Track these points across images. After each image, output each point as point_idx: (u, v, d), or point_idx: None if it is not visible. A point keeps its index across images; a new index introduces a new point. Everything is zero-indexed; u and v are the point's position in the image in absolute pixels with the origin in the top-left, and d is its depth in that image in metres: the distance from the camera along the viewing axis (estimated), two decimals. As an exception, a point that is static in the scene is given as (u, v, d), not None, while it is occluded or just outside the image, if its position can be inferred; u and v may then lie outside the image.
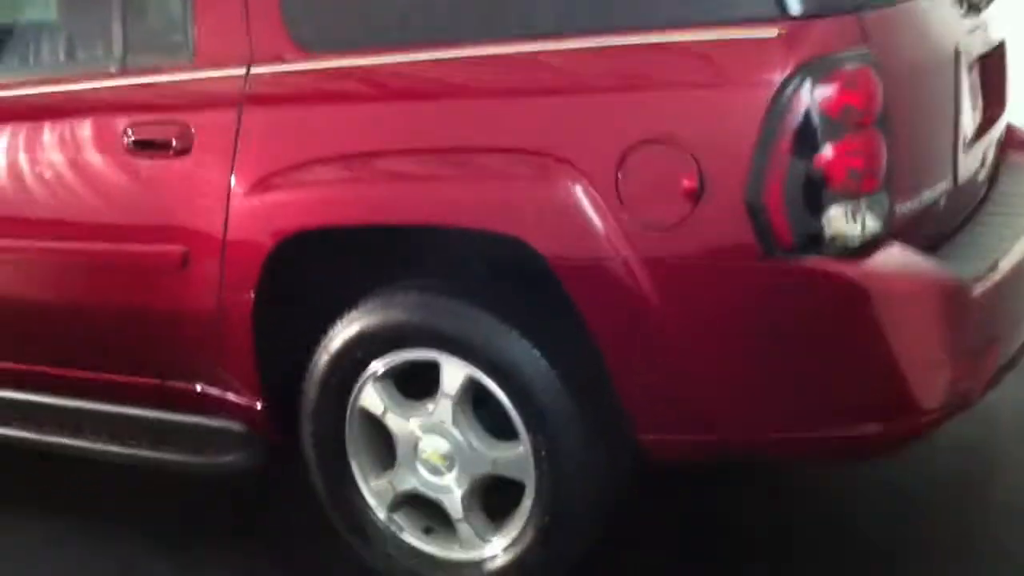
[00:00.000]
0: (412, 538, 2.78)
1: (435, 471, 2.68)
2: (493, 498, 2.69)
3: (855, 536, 2.91)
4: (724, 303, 2.30)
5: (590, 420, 2.50)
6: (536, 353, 2.50)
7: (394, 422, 2.70)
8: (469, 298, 2.57)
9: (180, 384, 2.99)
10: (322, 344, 2.73)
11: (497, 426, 2.62)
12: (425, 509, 2.78)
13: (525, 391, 2.50)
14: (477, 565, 2.68)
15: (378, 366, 2.68)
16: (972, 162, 2.71)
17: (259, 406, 2.87)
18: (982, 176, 2.84)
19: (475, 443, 2.62)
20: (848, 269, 2.20)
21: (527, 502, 2.60)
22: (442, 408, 2.63)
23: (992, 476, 3.20)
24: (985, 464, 3.25)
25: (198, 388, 2.96)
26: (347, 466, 2.80)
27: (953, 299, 2.32)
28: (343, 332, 2.69)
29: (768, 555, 2.87)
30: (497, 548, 2.66)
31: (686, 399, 2.38)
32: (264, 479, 3.25)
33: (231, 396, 2.90)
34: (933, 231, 2.51)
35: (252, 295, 2.73)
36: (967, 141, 2.64)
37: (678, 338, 2.34)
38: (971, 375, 2.41)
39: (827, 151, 2.19)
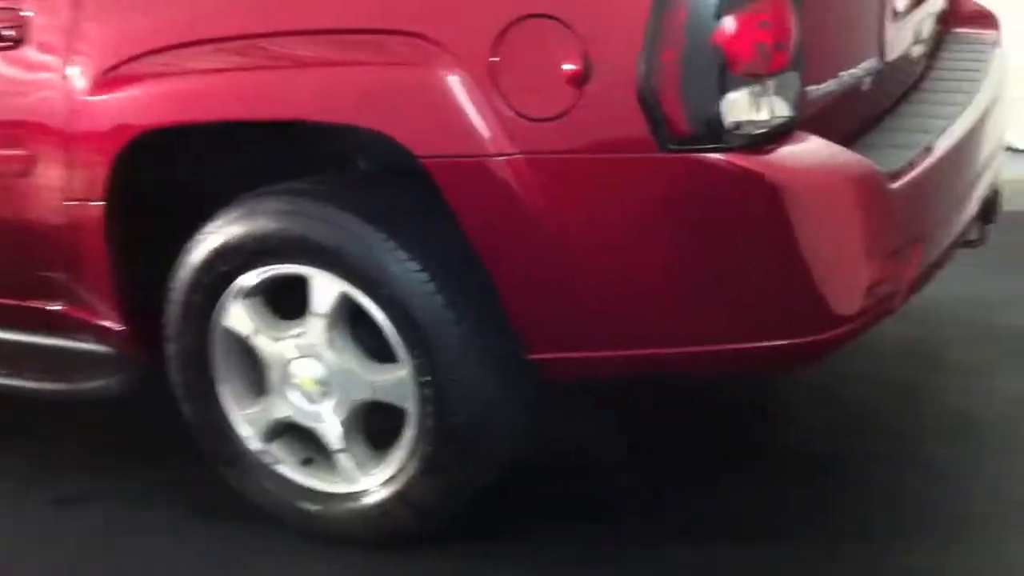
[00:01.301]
0: (290, 470, 2.52)
1: (310, 398, 2.41)
2: (378, 427, 2.43)
3: (799, 450, 2.69)
4: (615, 203, 2.02)
5: (477, 340, 2.23)
6: (414, 265, 2.21)
7: (263, 344, 2.43)
8: (339, 204, 2.28)
9: (39, 304, 2.70)
10: (182, 258, 2.44)
11: (378, 348, 2.35)
12: (304, 439, 2.53)
13: (403, 308, 2.23)
14: (357, 498, 2.43)
15: (244, 282, 2.39)
16: (904, 37, 2.40)
17: (122, 327, 2.58)
18: (917, 53, 2.53)
19: (352, 367, 2.35)
20: (752, 162, 1.92)
21: (409, 431, 2.34)
22: (314, 329, 2.35)
23: (937, 380, 2.95)
24: (929, 369, 3.01)
25: (59, 308, 2.67)
26: (216, 393, 2.52)
27: (871, 194, 2.04)
28: (204, 244, 2.39)
29: (706, 469, 2.65)
30: (379, 480, 2.41)
31: (579, 312, 2.12)
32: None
33: (93, 317, 2.62)
34: (856, 117, 2.23)
35: (102, 204, 2.43)
36: (897, 12, 2.34)
37: (567, 244, 2.06)
38: (892, 278, 2.14)
39: (729, 24, 1.89)
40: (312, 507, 2.48)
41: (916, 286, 2.19)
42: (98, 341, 2.67)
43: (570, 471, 2.63)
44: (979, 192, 2.44)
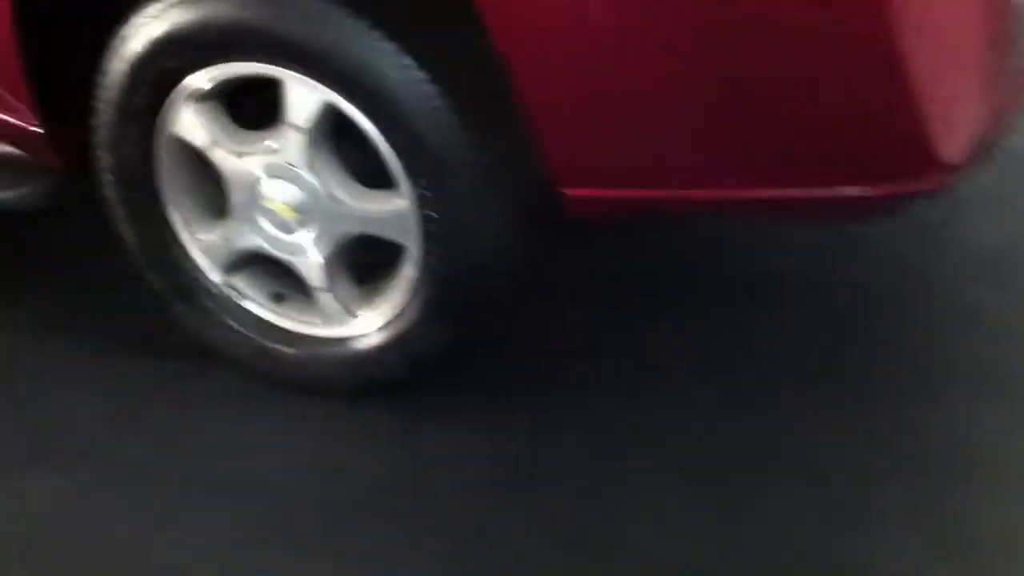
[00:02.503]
0: (257, 307, 2.12)
1: (284, 227, 1.98)
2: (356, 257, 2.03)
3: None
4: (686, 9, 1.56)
5: (493, 165, 1.80)
6: (422, 75, 1.74)
7: (224, 160, 1.96)
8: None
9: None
10: (115, 48, 1.92)
11: (369, 173, 1.91)
12: (272, 272, 2.11)
13: (407, 127, 1.77)
14: (343, 343, 2.04)
15: (198, 81, 1.90)
16: None
17: (38, 129, 2.08)
18: None
19: (338, 193, 1.91)
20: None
21: (407, 271, 1.94)
22: (290, 144, 1.89)
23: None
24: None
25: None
26: (163, 214, 2.07)
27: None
28: (144, 31, 1.88)
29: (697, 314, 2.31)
30: (370, 325, 2.02)
31: (629, 143, 1.69)
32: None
33: (7, 114, 2.10)
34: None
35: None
36: None
37: (622, 55, 1.61)
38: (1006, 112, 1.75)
39: None
40: (285, 350, 2.09)
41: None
42: (8, 142, 2.17)
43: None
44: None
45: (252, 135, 1.95)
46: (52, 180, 2.21)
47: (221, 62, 1.86)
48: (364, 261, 2.04)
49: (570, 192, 1.74)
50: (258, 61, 1.83)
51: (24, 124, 2.08)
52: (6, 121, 2.11)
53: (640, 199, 1.74)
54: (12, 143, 2.16)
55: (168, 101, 1.93)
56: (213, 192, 2.07)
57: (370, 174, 1.92)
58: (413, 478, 1.92)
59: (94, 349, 2.24)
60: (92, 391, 2.14)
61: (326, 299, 2.02)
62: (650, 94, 1.64)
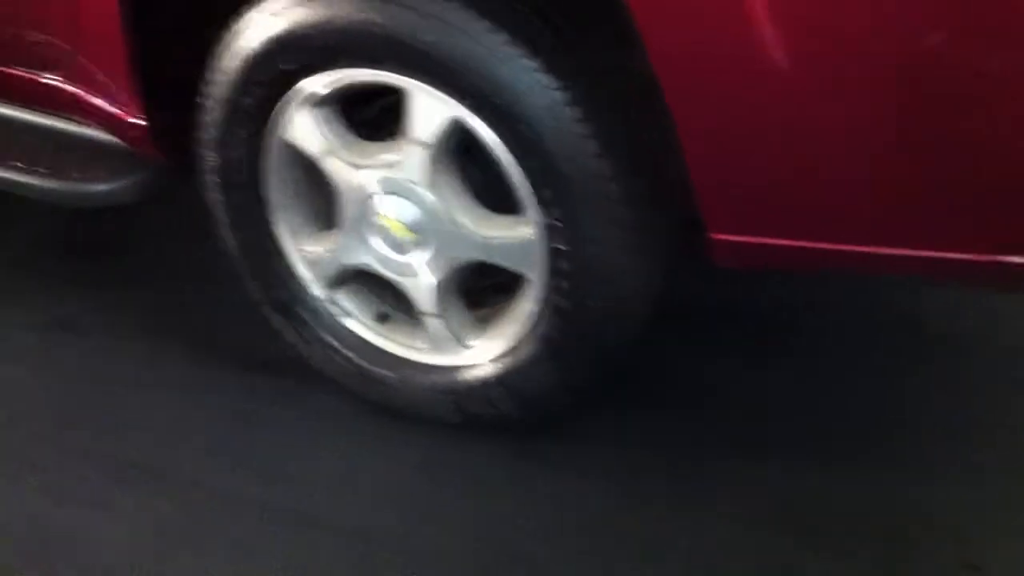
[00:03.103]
0: (360, 326, 1.97)
1: (396, 246, 1.83)
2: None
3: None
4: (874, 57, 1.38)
5: (634, 200, 1.63)
6: (562, 97, 1.58)
7: (337, 170, 1.82)
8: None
9: (32, 74, 2.06)
10: (227, 43, 1.79)
11: (491, 196, 1.76)
12: (378, 290, 1.96)
13: (542, 150, 1.61)
14: (449, 373, 1.90)
15: (316, 85, 1.76)
16: None
17: (140, 121, 1.95)
18: None
19: (459, 216, 1.75)
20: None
21: (526, 304, 1.78)
22: (412, 159, 1.73)
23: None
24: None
25: (56, 81, 2.04)
26: (268, 221, 1.93)
27: None
28: (261, 28, 1.74)
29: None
30: (480, 357, 1.87)
31: (793, 192, 1.51)
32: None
33: (100, 100, 1.99)
34: None
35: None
36: None
37: (801, 96, 1.43)
38: None
39: None
40: (386, 373, 1.95)
41: None
42: (107, 132, 2.05)
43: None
44: None
45: (370, 147, 1.80)
46: (152, 173, 2.08)
47: (344, 67, 1.72)
48: (478, 287, 1.89)
49: (721, 237, 1.57)
50: (385, 69, 1.68)
51: (127, 115, 1.96)
52: (109, 112, 1.99)
53: (799, 250, 1.56)
54: (113, 134, 2.04)
55: (281, 103, 1.79)
56: (321, 202, 1.94)
57: (490, 198, 1.77)
58: (515, 533, 1.76)
59: (194, 361, 2.12)
60: (194, 410, 2.02)
61: (435, 325, 1.87)
62: (827, 138, 1.46)
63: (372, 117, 1.86)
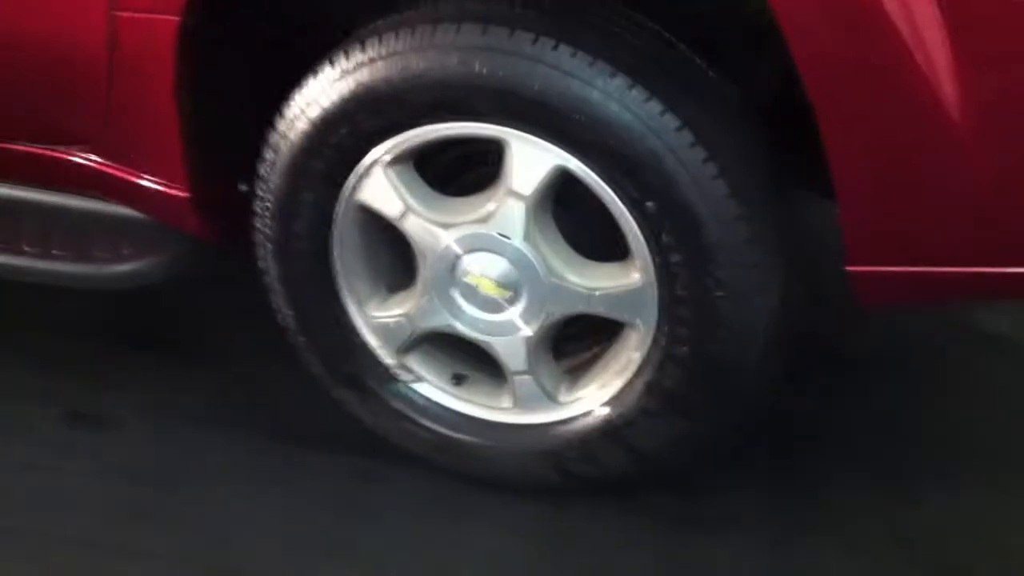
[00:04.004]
0: (436, 391, 1.88)
1: (486, 305, 1.74)
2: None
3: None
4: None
5: (762, 239, 1.60)
6: (687, 137, 1.54)
7: (418, 230, 1.72)
8: (564, 37, 1.55)
9: (62, 153, 1.89)
10: (294, 107, 1.68)
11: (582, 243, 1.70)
12: (451, 349, 1.87)
13: (664, 192, 1.56)
14: (541, 432, 1.81)
15: (397, 145, 1.67)
16: None
17: (184, 192, 1.82)
18: None
19: (558, 267, 1.69)
20: None
21: (631, 352, 1.72)
22: (506, 212, 1.66)
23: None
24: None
25: (85, 159, 1.88)
26: (332, 290, 1.82)
27: None
28: (335, 87, 1.64)
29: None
30: (575, 410, 1.79)
31: (950, 218, 1.50)
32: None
33: (137, 174, 1.84)
34: None
35: (177, 18, 1.64)
36: None
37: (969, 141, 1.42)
38: None
39: None
40: (468, 439, 1.85)
41: None
42: (139, 209, 1.91)
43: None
44: None
45: (455, 203, 1.72)
46: (184, 249, 1.94)
47: (432, 123, 1.63)
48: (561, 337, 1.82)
49: (865, 270, 1.54)
50: (483, 121, 1.60)
51: (167, 188, 1.82)
52: (142, 186, 1.84)
53: (946, 277, 1.54)
54: (144, 209, 1.89)
55: (359, 166, 1.69)
56: (387, 265, 1.84)
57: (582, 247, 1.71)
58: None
59: (257, 448, 1.97)
60: (265, 499, 1.87)
61: (524, 383, 1.79)
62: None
63: (442, 171, 1.78)
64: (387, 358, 1.86)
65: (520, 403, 1.82)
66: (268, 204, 1.77)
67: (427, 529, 1.82)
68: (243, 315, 2.13)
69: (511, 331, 1.74)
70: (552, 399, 1.80)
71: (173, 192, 1.83)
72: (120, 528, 1.79)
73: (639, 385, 1.72)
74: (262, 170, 1.76)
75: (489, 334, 1.77)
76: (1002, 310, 2.21)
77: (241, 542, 1.78)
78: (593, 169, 1.59)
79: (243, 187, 1.88)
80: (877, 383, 2.11)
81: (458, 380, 1.89)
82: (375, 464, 1.91)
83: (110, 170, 1.87)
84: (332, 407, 1.91)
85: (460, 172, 1.80)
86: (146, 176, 1.83)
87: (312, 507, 1.85)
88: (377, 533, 1.80)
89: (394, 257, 1.84)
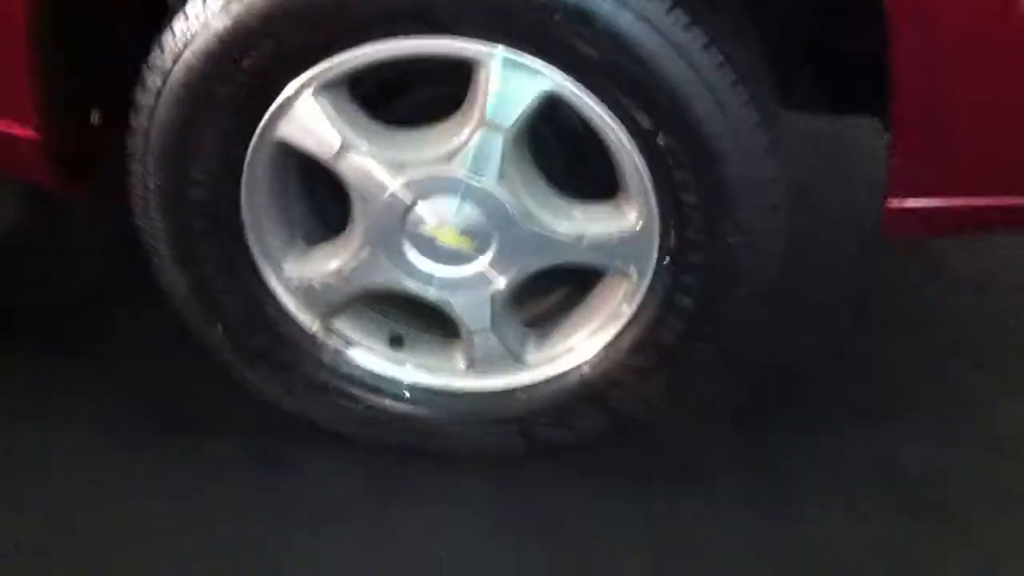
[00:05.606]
0: (371, 356, 1.55)
1: (444, 258, 1.43)
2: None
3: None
4: None
5: (783, 172, 1.36)
6: (716, 56, 1.26)
7: (360, 171, 1.37)
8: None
9: None
10: (191, 18, 1.29)
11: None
12: (381, 307, 1.55)
13: (678, 118, 1.28)
14: (504, 397, 1.54)
15: (325, 68, 1.30)
16: None
17: (32, 132, 1.39)
18: None
19: (537, 211, 1.39)
20: None
21: (617, 304, 1.46)
22: (479, 147, 1.34)
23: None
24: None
25: None
26: (241, 244, 1.45)
27: None
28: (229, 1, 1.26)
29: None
30: (548, 371, 1.52)
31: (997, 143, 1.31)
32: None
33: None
34: None
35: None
36: None
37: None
38: None
39: None
40: (413, 410, 1.55)
41: None
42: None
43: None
44: None
45: (409, 136, 1.38)
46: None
47: (383, 39, 1.27)
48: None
49: (905, 204, 1.33)
50: (454, 37, 1.26)
51: (10, 128, 1.38)
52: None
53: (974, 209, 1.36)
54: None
55: (281, 93, 1.32)
56: (305, 213, 1.49)
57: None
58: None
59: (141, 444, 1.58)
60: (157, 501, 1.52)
61: (484, 341, 1.50)
62: None
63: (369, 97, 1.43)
64: (310, 324, 1.52)
65: (478, 365, 1.53)
66: (152, 144, 1.36)
67: (364, 511, 1.52)
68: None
69: (476, 286, 1.44)
70: (518, 359, 1.52)
71: (19, 133, 1.39)
72: None
73: (627, 341, 1.47)
74: (142, 100, 1.35)
75: (448, 291, 1.46)
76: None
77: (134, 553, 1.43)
78: (592, 95, 1.29)
79: (96, 118, 1.47)
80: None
81: (395, 342, 1.57)
82: (282, 447, 1.59)
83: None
84: (225, 388, 1.56)
85: (390, 97, 1.45)
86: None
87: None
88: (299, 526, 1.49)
89: (310, 203, 1.49)
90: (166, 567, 1.42)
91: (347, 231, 1.44)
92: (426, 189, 1.37)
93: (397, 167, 1.36)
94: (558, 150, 1.44)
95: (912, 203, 1.34)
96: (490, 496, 1.55)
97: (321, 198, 1.51)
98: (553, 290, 1.57)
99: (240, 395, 1.57)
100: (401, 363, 1.56)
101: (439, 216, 1.39)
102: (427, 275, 1.44)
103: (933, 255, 2.00)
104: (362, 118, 1.37)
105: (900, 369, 1.78)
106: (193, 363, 1.57)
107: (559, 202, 1.41)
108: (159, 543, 1.45)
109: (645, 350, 1.47)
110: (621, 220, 1.39)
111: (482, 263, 1.43)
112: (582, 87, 1.29)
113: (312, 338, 1.52)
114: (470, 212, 1.39)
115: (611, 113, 1.30)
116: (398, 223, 1.40)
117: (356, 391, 1.55)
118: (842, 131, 2.01)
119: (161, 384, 1.68)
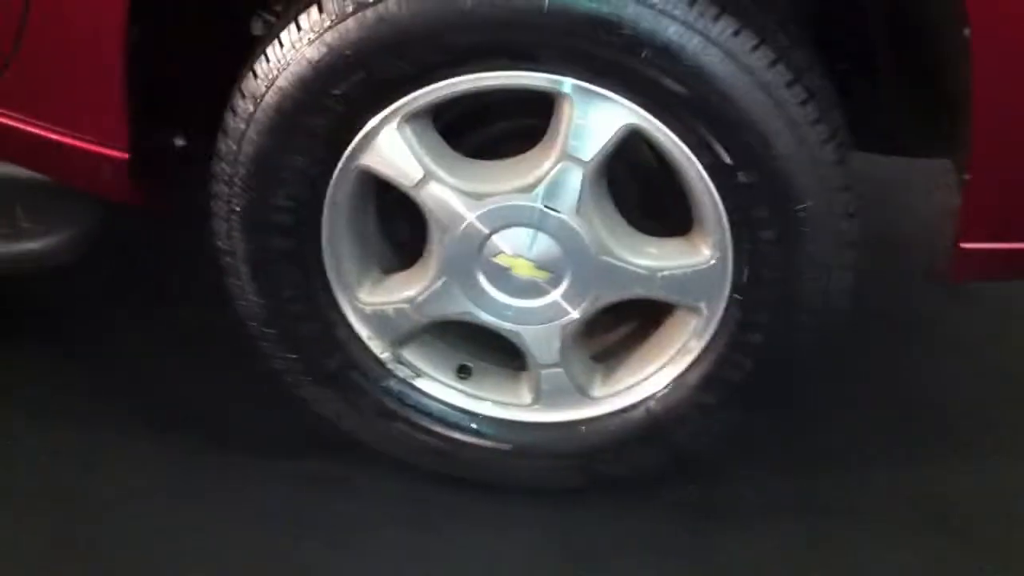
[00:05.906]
0: (438, 386, 1.57)
1: (517, 290, 1.45)
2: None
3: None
4: None
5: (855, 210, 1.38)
6: (799, 94, 1.29)
7: (440, 200, 1.40)
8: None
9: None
10: (286, 47, 1.33)
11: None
12: (451, 338, 1.57)
13: (761, 156, 1.31)
14: (568, 430, 1.55)
15: (412, 99, 1.34)
16: None
17: (123, 154, 1.42)
18: None
19: (613, 245, 1.41)
20: None
21: (685, 340, 1.47)
22: (560, 179, 1.36)
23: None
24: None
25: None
26: (319, 271, 1.48)
27: None
28: (338, 26, 1.30)
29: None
30: (607, 407, 1.54)
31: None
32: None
33: (57, 133, 1.43)
34: None
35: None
36: None
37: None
38: None
39: None
40: (476, 441, 1.57)
41: None
42: (45, 171, 1.49)
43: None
44: None
45: (491, 168, 1.42)
46: (84, 224, 1.53)
47: (471, 71, 1.31)
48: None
49: (981, 246, 1.35)
50: (540, 70, 1.30)
51: (101, 147, 1.42)
52: (64, 144, 1.43)
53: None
54: (59, 174, 1.48)
55: (368, 122, 1.35)
56: (381, 242, 1.52)
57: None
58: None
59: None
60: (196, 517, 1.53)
61: (551, 375, 1.52)
62: None
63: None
64: (380, 351, 1.54)
65: (544, 398, 1.54)
66: (239, 169, 1.40)
67: (416, 540, 1.53)
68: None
69: (548, 319, 1.46)
70: (584, 394, 1.54)
71: (105, 152, 1.42)
72: None
73: (694, 378, 1.49)
74: (231, 124, 1.39)
75: (519, 323, 1.48)
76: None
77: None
78: (674, 130, 1.32)
79: (180, 141, 1.51)
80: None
81: (462, 371, 1.59)
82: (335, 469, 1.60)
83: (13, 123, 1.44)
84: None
85: (464, 131, 1.49)
86: (71, 133, 1.42)
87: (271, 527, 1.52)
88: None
89: (386, 231, 1.52)
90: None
91: (423, 260, 1.47)
92: (504, 220, 1.40)
93: (476, 198, 1.39)
94: (631, 185, 1.47)
95: (988, 246, 1.36)
96: (539, 523, 1.56)
97: (398, 228, 1.54)
98: (621, 324, 1.59)
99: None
100: (467, 394, 1.58)
101: (515, 247, 1.42)
102: (500, 306, 1.47)
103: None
104: (444, 149, 1.41)
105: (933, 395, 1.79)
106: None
107: (634, 236, 1.43)
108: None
109: (713, 386, 1.48)
110: (695, 255, 1.41)
111: (555, 295, 1.45)
112: (664, 122, 1.32)
113: (382, 365, 1.55)
114: (546, 244, 1.41)
115: (692, 149, 1.33)
116: (474, 253, 1.43)
117: (421, 420, 1.57)
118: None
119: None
